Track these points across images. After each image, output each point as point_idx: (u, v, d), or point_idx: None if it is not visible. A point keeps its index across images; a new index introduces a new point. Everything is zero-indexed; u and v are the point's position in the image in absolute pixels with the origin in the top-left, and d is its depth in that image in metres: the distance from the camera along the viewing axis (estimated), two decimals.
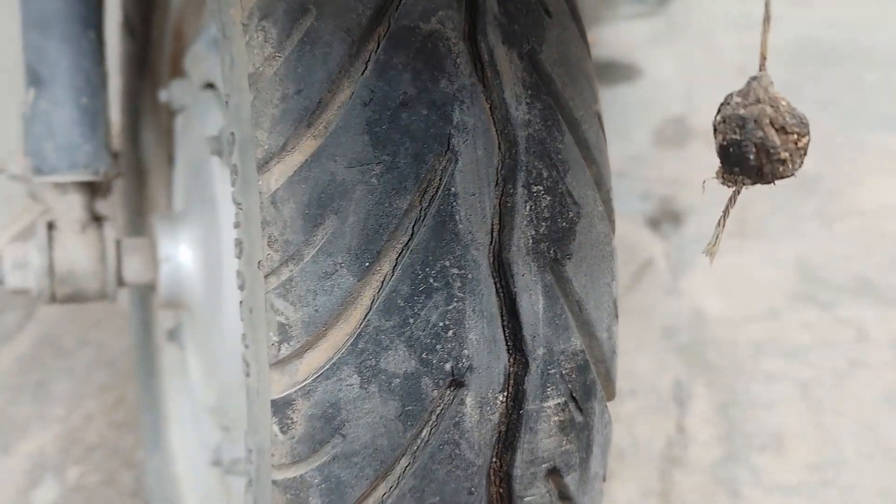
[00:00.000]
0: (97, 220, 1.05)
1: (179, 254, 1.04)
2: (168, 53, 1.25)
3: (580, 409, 0.63)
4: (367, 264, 0.56)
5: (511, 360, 0.61)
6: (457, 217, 0.58)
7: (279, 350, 0.57)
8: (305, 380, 0.57)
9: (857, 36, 3.28)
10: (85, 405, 1.70)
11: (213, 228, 0.95)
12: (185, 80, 1.14)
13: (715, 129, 0.44)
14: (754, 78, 0.43)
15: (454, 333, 0.58)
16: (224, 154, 0.85)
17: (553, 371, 0.61)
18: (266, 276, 0.57)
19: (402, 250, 0.57)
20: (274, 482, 0.59)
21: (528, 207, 0.60)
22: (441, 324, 0.58)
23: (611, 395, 0.68)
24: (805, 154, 0.43)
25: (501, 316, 0.60)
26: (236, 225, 0.64)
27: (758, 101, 0.43)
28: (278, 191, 0.56)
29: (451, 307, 0.58)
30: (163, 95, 1.21)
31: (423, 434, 0.58)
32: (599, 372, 0.65)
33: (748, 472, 1.53)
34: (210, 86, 1.03)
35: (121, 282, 1.05)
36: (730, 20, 3.53)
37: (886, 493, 1.48)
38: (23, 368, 1.80)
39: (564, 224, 0.62)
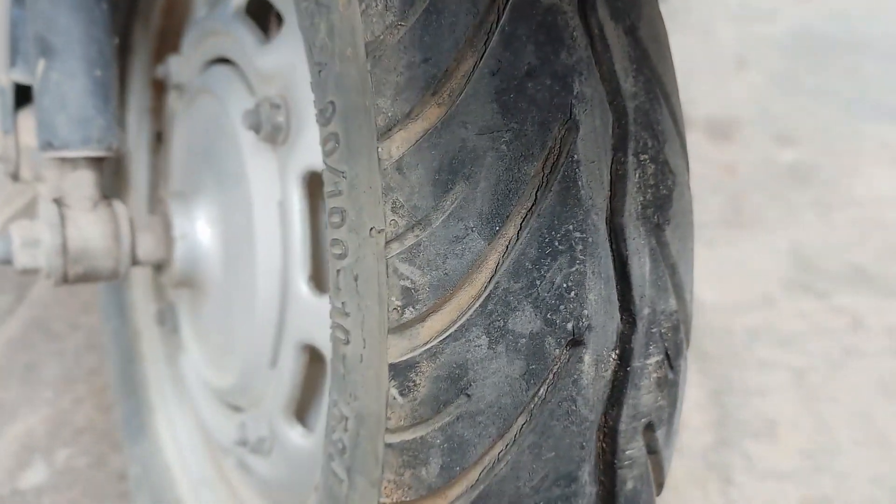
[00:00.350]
0: (106, 197, 1.02)
1: (196, 231, 1.02)
2: (155, 28, 1.22)
3: (671, 367, 0.66)
4: (496, 228, 0.57)
5: (622, 319, 0.63)
6: (579, 183, 0.60)
7: (402, 314, 0.58)
8: (429, 342, 0.58)
9: (856, 27, 3.27)
10: (74, 388, 1.69)
11: (238, 205, 0.92)
12: (184, 56, 1.12)
13: None
14: None
15: (576, 294, 0.60)
16: (263, 128, 0.84)
17: (654, 330, 0.64)
18: (388, 243, 0.57)
19: (527, 215, 0.58)
20: (388, 445, 0.59)
21: (637, 175, 0.63)
22: (564, 285, 0.59)
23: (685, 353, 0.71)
24: None
25: (615, 278, 0.62)
26: (333, 194, 0.64)
27: None
28: (404, 157, 0.57)
29: (573, 269, 0.60)
30: (160, 71, 1.18)
31: (542, 392, 0.59)
32: (686, 331, 0.68)
33: (741, 458, 1.52)
34: (222, 61, 1.01)
35: (135, 260, 1.02)
36: (728, 12, 3.52)
37: (879, 480, 1.48)
38: (13, 351, 1.79)
39: (665, 191, 0.64)
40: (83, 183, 0.97)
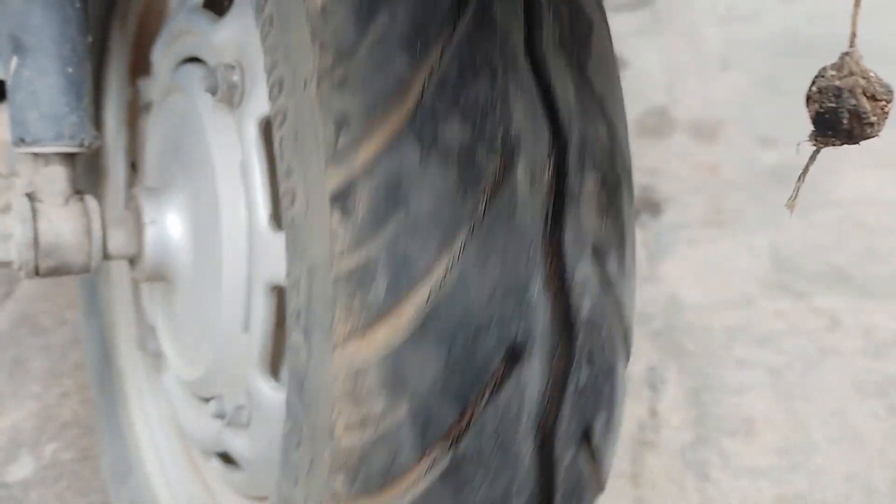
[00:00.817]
0: (78, 192, 1.04)
1: (167, 223, 1.04)
2: (132, 27, 1.23)
3: (612, 196, 0.67)
4: (418, 52, 0.59)
5: (551, 136, 0.64)
6: (494, 13, 0.62)
7: (336, 144, 0.59)
8: (364, 164, 0.59)
9: (840, 30, 3.29)
10: (61, 383, 1.71)
11: (205, 189, 0.94)
12: (154, 64, 1.15)
13: (809, 98, 0.50)
14: (846, 53, 0.50)
15: (501, 110, 0.61)
16: (220, 89, 0.88)
17: (587, 153, 0.66)
18: (318, 83, 0.59)
19: (447, 40, 0.60)
20: (336, 280, 0.59)
21: (551, 14, 0.65)
22: (489, 101, 0.61)
23: (631, 196, 0.72)
24: (887, 117, 0.50)
25: (540, 99, 0.64)
26: (271, 67, 0.66)
27: (851, 73, 0.49)
28: (326, 4, 0.59)
29: (496, 87, 0.61)
30: (129, 95, 1.20)
31: (480, 205, 0.60)
32: (623, 168, 0.70)
33: (718, 456, 1.55)
34: (190, 60, 1.04)
35: (106, 255, 1.03)
36: (714, 14, 3.55)
37: (853, 478, 1.51)
38: (0, 345, 1.80)
39: (582, 32, 0.67)
40: (55, 178, 0.99)
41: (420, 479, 0.59)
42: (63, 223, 0.99)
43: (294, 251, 0.66)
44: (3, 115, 1.13)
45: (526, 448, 0.62)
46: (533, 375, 0.62)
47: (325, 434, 0.60)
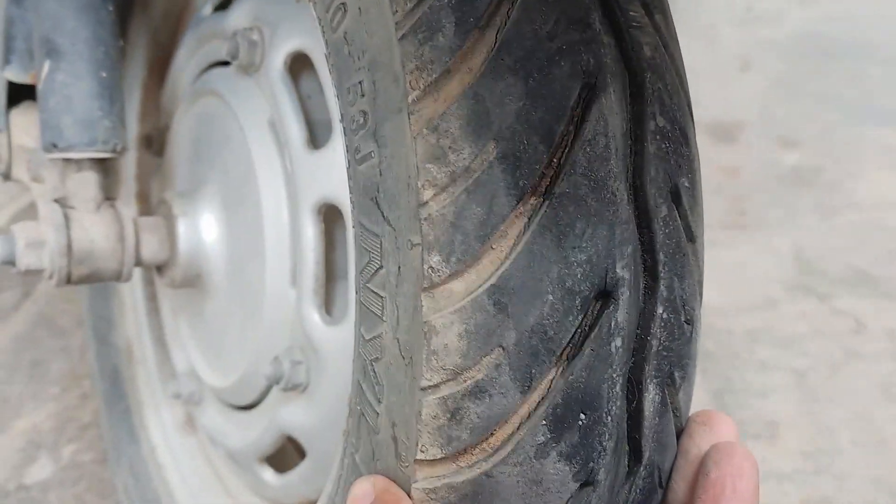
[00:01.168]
0: (109, 199, 1.03)
1: (201, 229, 1.03)
2: (151, 30, 1.23)
3: None
4: None
5: None
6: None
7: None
8: None
9: (859, 31, 3.27)
10: (80, 384, 1.70)
11: (245, 197, 0.94)
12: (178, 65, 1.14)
13: None
14: None
15: None
16: (240, 50, 0.93)
17: None
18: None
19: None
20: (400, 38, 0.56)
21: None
22: None
23: None
24: None
25: None
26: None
27: None
28: None
29: None
30: None
31: None
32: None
33: None
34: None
35: (139, 261, 1.02)
36: (733, 15, 3.53)
37: (879, 482, 1.48)
38: (19, 347, 1.80)
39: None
40: (87, 184, 0.98)
41: (520, 233, 0.54)
42: (96, 230, 0.98)
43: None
44: (19, 118, 1.12)
45: (621, 192, 0.57)
46: (612, 106, 0.57)
47: (411, 213, 0.56)
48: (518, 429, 0.56)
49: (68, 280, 0.96)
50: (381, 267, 0.60)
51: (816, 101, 2.87)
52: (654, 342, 0.60)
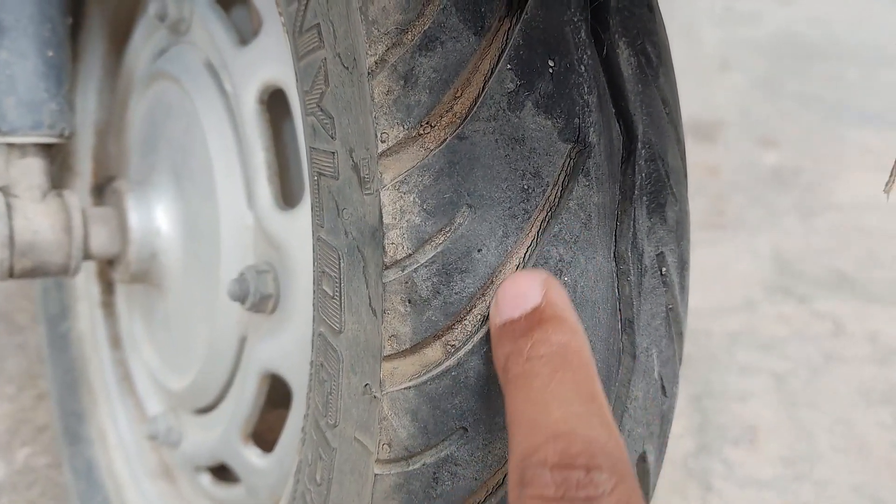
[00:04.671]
0: (56, 187, 0.96)
1: (155, 222, 0.96)
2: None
3: None
4: None
5: None
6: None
7: None
8: None
9: (838, 33, 3.26)
10: (36, 384, 1.63)
11: (202, 188, 0.87)
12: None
13: None
14: None
15: None
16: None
17: None
18: None
19: None
20: None
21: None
22: None
23: None
24: None
25: None
26: None
27: None
28: None
29: None
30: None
31: None
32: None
33: (721, 465, 1.49)
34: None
35: (87, 254, 0.96)
36: (713, 15, 3.51)
37: (860, 489, 1.45)
38: None
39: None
40: (32, 171, 0.92)
41: None
42: (41, 220, 0.91)
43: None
44: None
45: None
46: None
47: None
48: (481, 75, 0.52)
49: (11, 274, 0.90)
50: None
51: (796, 101, 2.85)
52: None
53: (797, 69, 3.07)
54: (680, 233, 0.63)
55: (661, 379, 0.62)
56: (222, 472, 1.03)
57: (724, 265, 2.06)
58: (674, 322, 0.63)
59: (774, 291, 1.97)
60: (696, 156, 2.56)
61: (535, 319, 0.50)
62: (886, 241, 2.18)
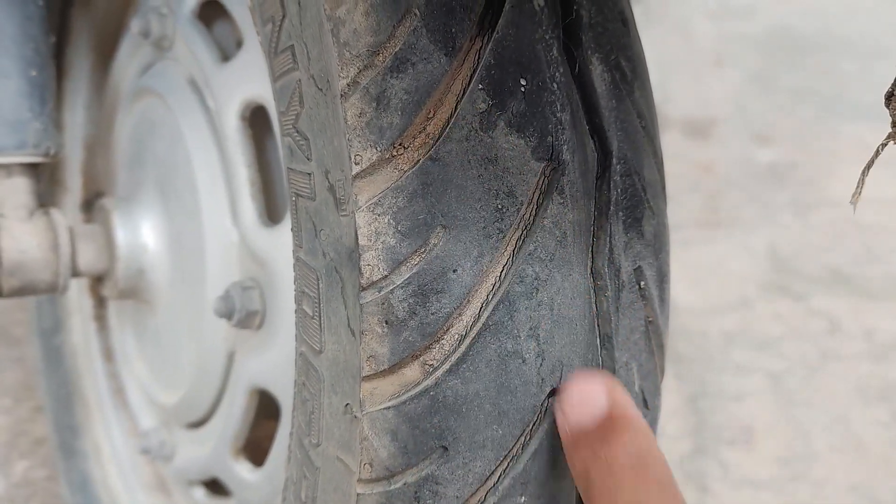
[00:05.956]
0: (42, 205, 0.97)
1: (142, 238, 0.96)
2: (97, 17, 1.16)
3: None
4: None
5: None
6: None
7: None
8: None
9: (833, 26, 3.26)
10: (34, 397, 1.64)
11: (187, 204, 0.88)
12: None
13: (889, 98, 0.49)
14: None
15: None
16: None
17: None
18: None
19: None
20: None
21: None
22: None
23: None
24: None
25: None
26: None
27: None
28: None
29: None
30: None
31: None
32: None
33: (717, 466, 1.49)
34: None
35: (75, 272, 0.96)
36: (706, 10, 3.50)
37: (857, 488, 1.45)
38: None
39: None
40: (18, 191, 0.92)
41: None
42: (28, 239, 0.92)
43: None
44: None
45: None
46: None
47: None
48: (453, 96, 0.52)
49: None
50: None
51: (791, 96, 2.85)
52: (584, 13, 0.58)
53: (792, 63, 3.06)
54: (658, 246, 0.63)
55: (643, 392, 0.63)
56: (217, 486, 1.03)
57: (719, 263, 2.06)
58: (654, 335, 0.63)
59: (770, 289, 1.97)
60: (690, 153, 2.56)
61: (609, 426, 0.52)
62: (882, 236, 2.17)
